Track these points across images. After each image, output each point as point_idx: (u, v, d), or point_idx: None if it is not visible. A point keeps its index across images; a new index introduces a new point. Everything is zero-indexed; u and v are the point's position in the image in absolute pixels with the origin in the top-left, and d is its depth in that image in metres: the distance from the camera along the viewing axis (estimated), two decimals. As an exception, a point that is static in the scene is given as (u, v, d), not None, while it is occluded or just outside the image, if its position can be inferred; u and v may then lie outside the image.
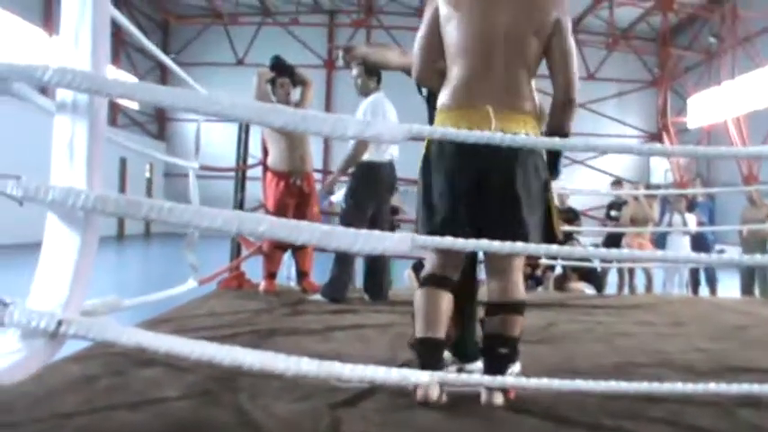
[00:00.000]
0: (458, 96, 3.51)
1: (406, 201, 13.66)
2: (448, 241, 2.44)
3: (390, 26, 33.08)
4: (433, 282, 3.58)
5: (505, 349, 3.56)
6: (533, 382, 2.83)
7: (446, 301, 3.56)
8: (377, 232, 2.36)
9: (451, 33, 3.56)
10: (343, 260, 7.20)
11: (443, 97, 3.58)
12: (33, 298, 2.59)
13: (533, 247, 3.06)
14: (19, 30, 24.46)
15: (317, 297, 7.19)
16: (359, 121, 2.24)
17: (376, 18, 34.07)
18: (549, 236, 3.61)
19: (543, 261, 10.05)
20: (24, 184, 2.45)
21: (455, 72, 3.54)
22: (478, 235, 3.07)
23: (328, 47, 34.57)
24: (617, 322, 6.48)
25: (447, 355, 4.39)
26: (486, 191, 3.45)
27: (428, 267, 3.65)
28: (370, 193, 7.28)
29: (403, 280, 10.53)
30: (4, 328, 2.51)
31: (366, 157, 7.21)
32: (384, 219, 7.46)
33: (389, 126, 2.28)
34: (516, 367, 4.33)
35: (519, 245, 2.63)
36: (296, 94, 8.00)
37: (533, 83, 3.59)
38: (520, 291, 3.58)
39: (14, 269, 9.10)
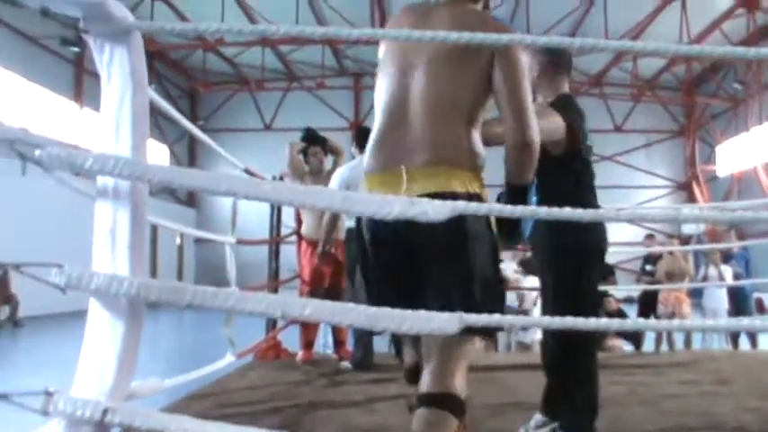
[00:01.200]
0: (374, 157, 3.06)
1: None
2: (496, 318, 2.38)
3: (415, 86, 33.31)
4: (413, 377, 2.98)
5: None
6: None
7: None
8: (423, 312, 2.32)
9: (377, 85, 3.16)
10: (362, 333, 7.15)
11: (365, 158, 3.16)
12: (78, 386, 2.56)
13: (617, 322, 2.78)
14: (51, 103, 24.84)
15: (346, 364, 7.18)
16: (404, 200, 2.21)
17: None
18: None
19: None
20: (67, 272, 2.43)
21: (374, 128, 3.14)
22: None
23: (354, 109, 34.85)
24: (660, 383, 6.36)
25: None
26: (412, 266, 2.87)
27: (406, 359, 3.19)
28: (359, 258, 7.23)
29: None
30: (48, 418, 2.48)
31: (350, 222, 7.20)
32: None
33: (434, 204, 2.24)
34: None
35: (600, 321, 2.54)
36: (329, 162, 8.04)
37: (475, 132, 2.99)
38: (453, 383, 2.77)
39: (62, 339, 9.18)
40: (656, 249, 13.40)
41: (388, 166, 2.93)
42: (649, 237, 15.60)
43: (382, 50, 3.18)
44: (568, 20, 28.66)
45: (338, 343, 7.83)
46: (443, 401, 2.72)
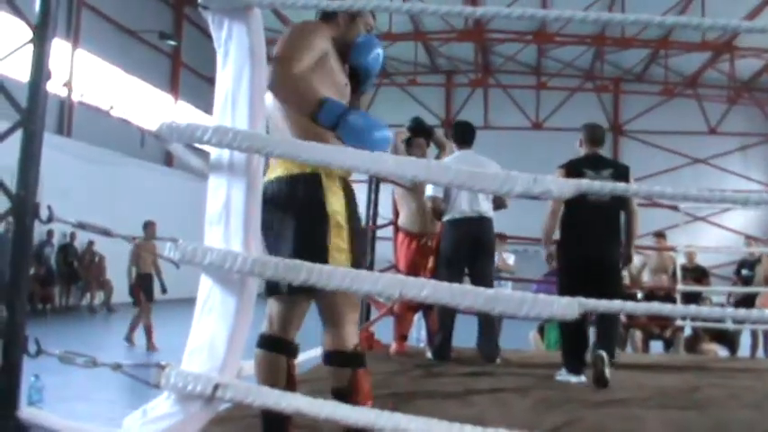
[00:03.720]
0: None
1: (523, 260, 13.51)
2: (592, 303, 2.31)
3: (507, 85, 33.07)
4: (272, 345, 3.30)
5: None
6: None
7: (283, 368, 3.30)
8: (543, 296, 2.26)
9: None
10: (444, 320, 7.14)
11: None
12: (189, 360, 2.57)
13: (669, 308, 2.81)
14: (148, 95, 25.34)
15: (429, 356, 7.17)
16: (527, 177, 2.16)
17: (493, 77, 34.04)
18: None
19: (679, 322, 9.78)
20: (182, 247, 2.44)
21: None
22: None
23: (446, 107, 34.69)
24: (764, 387, 6.15)
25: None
26: None
27: (268, 327, 3.33)
28: (453, 252, 7.18)
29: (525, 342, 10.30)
30: (160, 391, 2.49)
31: (448, 216, 7.17)
32: (486, 279, 7.26)
33: (558, 182, 2.18)
34: None
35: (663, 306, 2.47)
36: (432, 155, 8.00)
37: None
38: (351, 342, 3.28)
39: (169, 325, 9.28)
40: (756, 250, 12.97)
41: None
42: (750, 239, 14.87)
43: (320, 51, 3.29)
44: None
45: (432, 335, 7.79)
46: (334, 359, 3.30)
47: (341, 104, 3.06)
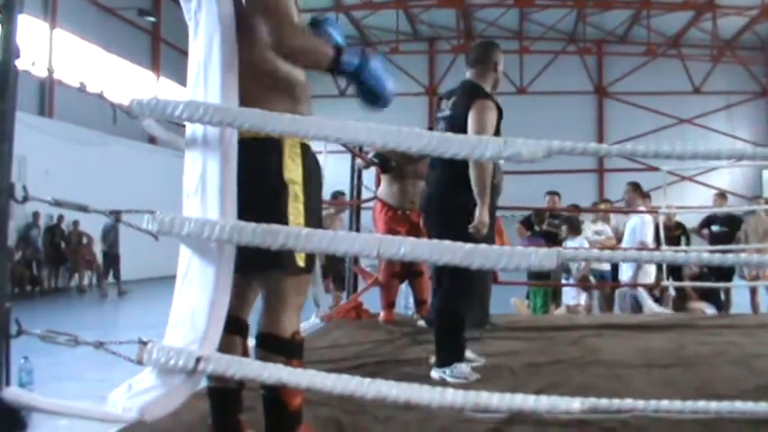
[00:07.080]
0: None
1: (510, 224, 13.53)
2: (595, 254, 2.32)
3: (490, 50, 32.88)
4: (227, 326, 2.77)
5: (265, 392, 2.91)
6: (676, 405, 2.67)
7: (239, 350, 3.01)
8: (520, 248, 2.27)
9: None
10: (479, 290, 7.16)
11: None
12: (171, 334, 2.57)
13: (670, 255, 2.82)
14: (130, 73, 25.20)
15: (421, 323, 7.17)
16: (497, 140, 2.16)
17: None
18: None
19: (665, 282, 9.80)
20: (159, 218, 2.43)
21: None
22: None
23: (429, 74, 34.56)
24: (750, 343, 6.19)
25: None
26: None
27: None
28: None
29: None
30: (143, 366, 2.49)
31: None
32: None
33: (529, 144, 2.19)
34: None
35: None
36: None
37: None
38: (279, 325, 2.91)
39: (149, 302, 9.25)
40: (737, 209, 12.82)
41: None
42: (720, 196, 14.47)
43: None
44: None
45: (420, 302, 7.81)
46: (266, 342, 2.90)
47: (355, 48, 2.92)
